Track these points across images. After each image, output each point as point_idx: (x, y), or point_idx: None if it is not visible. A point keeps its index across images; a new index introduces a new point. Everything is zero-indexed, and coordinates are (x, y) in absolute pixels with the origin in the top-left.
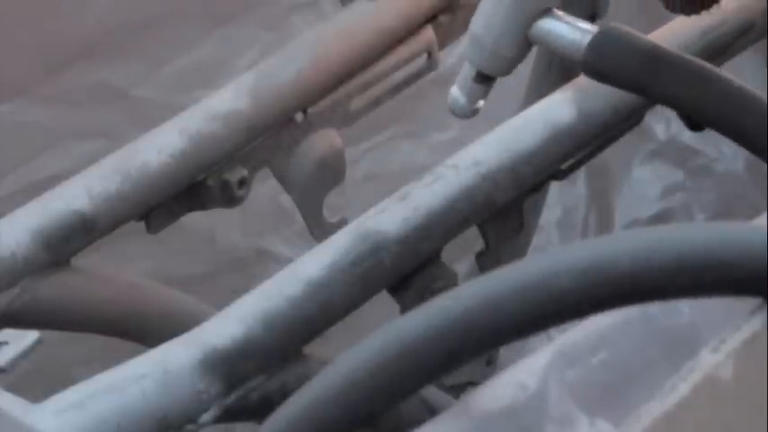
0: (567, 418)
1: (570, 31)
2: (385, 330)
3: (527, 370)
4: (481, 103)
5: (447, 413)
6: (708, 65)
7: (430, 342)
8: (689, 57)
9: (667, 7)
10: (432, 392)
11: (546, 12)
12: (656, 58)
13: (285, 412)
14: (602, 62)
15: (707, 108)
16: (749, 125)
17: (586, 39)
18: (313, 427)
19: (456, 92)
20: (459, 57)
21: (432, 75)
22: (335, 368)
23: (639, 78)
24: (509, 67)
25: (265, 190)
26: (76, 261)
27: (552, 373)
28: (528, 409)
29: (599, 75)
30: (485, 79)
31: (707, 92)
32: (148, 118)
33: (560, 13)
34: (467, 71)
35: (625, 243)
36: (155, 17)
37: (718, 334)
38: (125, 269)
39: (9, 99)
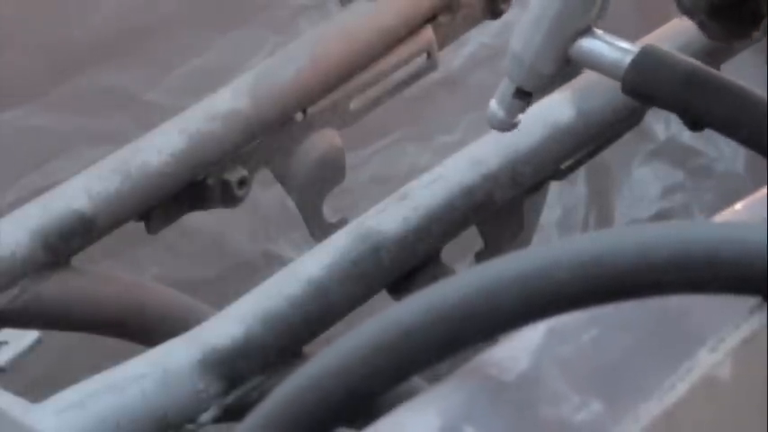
0: (560, 396)
1: (610, 50)
2: (384, 315)
3: (520, 345)
4: (520, 116)
5: (440, 384)
6: (749, 87)
7: (426, 327)
8: (730, 78)
9: (706, 34)
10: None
11: (585, 31)
12: (697, 79)
13: (272, 399)
14: (643, 83)
15: (749, 129)
16: None
17: (627, 59)
18: (303, 408)
19: (494, 106)
20: (466, 59)
21: (438, 77)
22: (333, 349)
23: (681, 99)
24: (547, 84)
25: (272, 194)
26: (77, 261)
27: (545, 350)
28: (520, 384)
29: (640, 95)
30: (523, 95)
31: (749, 113)
32: (159, 122)
33: (599, 32)
34: (505, 87)
35: (626, 238)
36: (163, 22)
37: (717, 333)
38: (135, 274)
39: (19, 104)
